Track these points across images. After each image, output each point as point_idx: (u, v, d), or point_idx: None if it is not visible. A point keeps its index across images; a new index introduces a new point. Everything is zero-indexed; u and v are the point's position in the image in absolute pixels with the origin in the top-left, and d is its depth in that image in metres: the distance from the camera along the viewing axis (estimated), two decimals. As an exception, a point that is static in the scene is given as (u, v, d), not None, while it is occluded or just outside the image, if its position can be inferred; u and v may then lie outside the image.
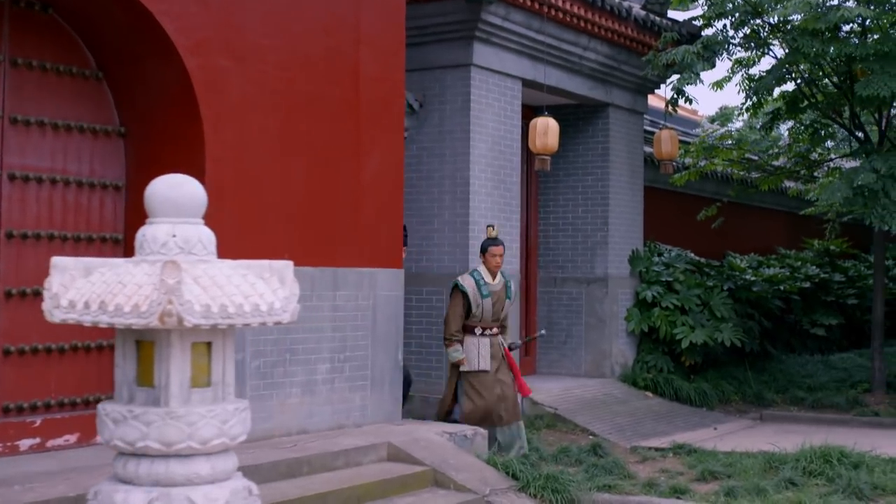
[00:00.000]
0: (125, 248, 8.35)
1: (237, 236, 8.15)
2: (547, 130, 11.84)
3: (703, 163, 15.61)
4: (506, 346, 9.98)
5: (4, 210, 7.68)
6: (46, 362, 7.84)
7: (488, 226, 9.99)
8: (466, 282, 9.77)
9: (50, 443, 7.74)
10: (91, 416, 7.73)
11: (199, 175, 7.73)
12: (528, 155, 13.73)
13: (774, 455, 9.65)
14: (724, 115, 15.72)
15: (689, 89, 13.11)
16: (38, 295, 7.70)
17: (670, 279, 14.55)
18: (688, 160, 16.12)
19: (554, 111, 14.20)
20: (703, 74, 13.55)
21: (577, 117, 14.31)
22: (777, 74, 13.36)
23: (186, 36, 7.85)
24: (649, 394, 13.82)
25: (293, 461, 7.69)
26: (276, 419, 8.52)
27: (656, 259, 14.86)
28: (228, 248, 8.19)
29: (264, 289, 4.66)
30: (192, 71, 7.87)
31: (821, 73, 13.98)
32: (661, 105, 22.98)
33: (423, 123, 11.94)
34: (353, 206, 9.18)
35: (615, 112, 14.22)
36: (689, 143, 16.10)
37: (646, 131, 15.39)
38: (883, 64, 12.29)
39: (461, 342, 9.76)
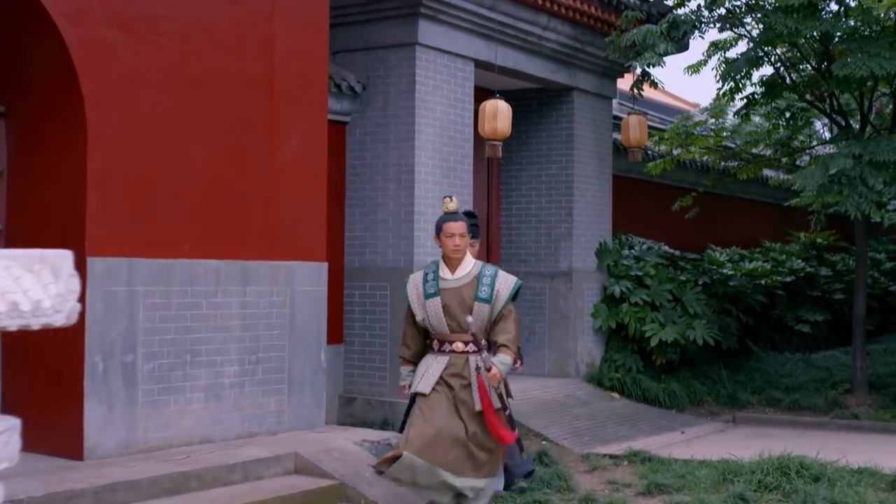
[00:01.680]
0: (6, 239, 7.58)
1: (125, 226, 7.38)
2: (497, 114, 11.02)
3: (677, 151, 14.77)
4: (490, 368, 6.70)
5: None
6: None
7: (445, 197, 7.11)
8: (412, 279, 7.08)
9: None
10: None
11: (80, 157, 6.99)
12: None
13: (731, 465, 8.85)
14: (718, 107, 14.73)
15: (677, 73, 12.25)
16: None
17: (640, 273, 13.74)
18: (663, 148, 15.27)
19: (514, 95, 13.42)
20: (678, 58, 12.72)
21: (539, 102, 13.50)
22: (751, 56, 12.53)
23: (64, 3, 7.08)
24: (615, 395, 13.02)
25: (179, 476, 6.92)
26: (174, 427, 7.74)
27: (626, 252, 14.05)
28: (115, 240, 7.44)
29: (31, 284, 3.85)
30: (71, 43, 7.10)
31: (798, 55, 13.15)
32: (651, 92, 22.20)
33: (367, 107, 11.14)
34: (266, 193, 8.40)
35: (580, 96, 13.41)
36: (663, 131, 15.26)
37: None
38: (861, 43, 11.46)
39: (411, 362, 7.05)
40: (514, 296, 6.89)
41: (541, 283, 13.42)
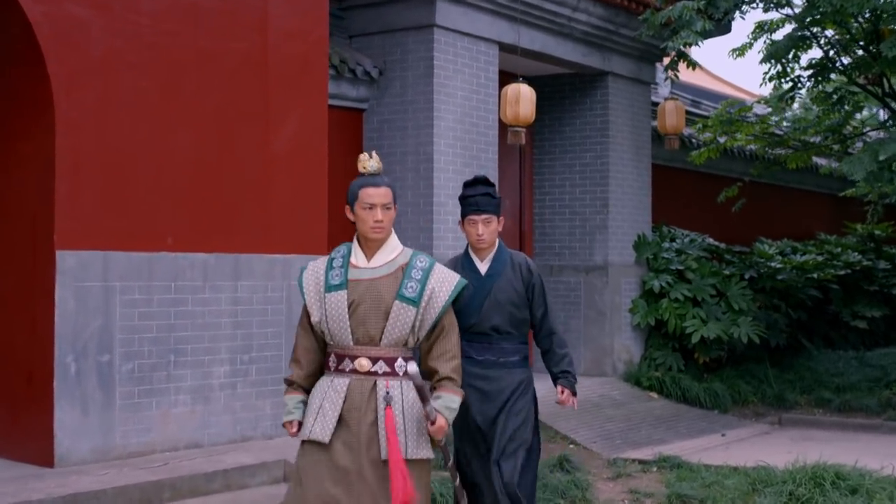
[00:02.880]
0: (-22, 231, 7.15)
1: (99, 217, 6.91)
2: (519, 98, 10.43)
3: (722, 139, 14.02)
4: (433, 418, 4.70)
5: None
6: None
7: (362, 153, 5.02)
8: (311, 266, 4.93)
9: None
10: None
11: (48, 145, 6.54)
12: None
13: (763, 473, 8.19)
14: (778, 95, 13.84)
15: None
16: None
17: (682, 267, 13.05)
18: (708, 136, 14.52)
19: (546, 81, 12.83)
20: (725, 43, 11.94)
21: (572, 87, 12.86)
22: (795, 37, 11.80)
23: (28, -22, 6.61)
24: (654, 395, 12.37)
25: (151, 485, 6.42)
26: (157, 432, 7.26)
27: (667, 245, 13.36)
28: (88, 232, 6.96)
29: None
30: (36, 21, 6.64)
31: (848, 36, 12.38)
32: (698, 79, 21.42)
33: (384, 93, 10.60)
34: (260, 182, 7.89)
35: (615, 81, 12.74)
36: (706, 118, 14.52)
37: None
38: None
39: (301, 387, 4.90)
40: (457, 299, 5.00)
41: (575, 277, 12.81)
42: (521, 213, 12.96)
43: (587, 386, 12.09)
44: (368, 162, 4.88)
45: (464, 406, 5.49)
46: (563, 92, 12.87)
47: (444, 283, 4.84)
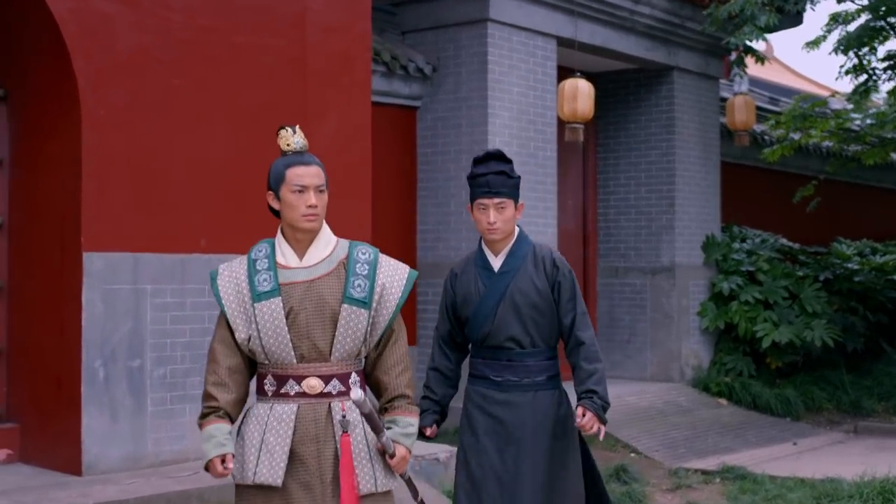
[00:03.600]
0: (7, 233, 7.00)
1: (129, 218, 6.71)
2: (577, 94, 10.10)
3: (795, 135, 13.50)
4: (390, 450, 3.90)
5: None
6: None
7: (282, 127, 4.13)
8: (225, 270, 4.01)
9: None
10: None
11: (74, 144, 6.35)
12: (585, 128, 11.99)
13: (830, 486, 7.76)
14: (855, 89, 13.21)
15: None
16: None
17: (752, 269, 12.58)
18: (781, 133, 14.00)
19: (611, 77, 12.46)
20: (801, 35, 11.42)
21: (637, 83, 12.47)
22: (869, 27, 11.29)
23: (52, -27, 6.43)
24: (723, 401, 11.92)
25: (177, 495, 6.19)
26: (190, 439, 7.01)
27: (737, 246, 12.90)
28: (118, 234, 6.75)
29: None
30: (62, 17, 6.44)
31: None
32: (777, 75, 20.81)
33: (438, 90, 10.33)
34: (299, 182, 7.62)
35: (681, 77, 12.32)
36: (779, 114, 13.99)
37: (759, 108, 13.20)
38: None
39: (228, 416, 3.90)
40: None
41: (641, 279, 12.41)
42: (585, 214, 12.60)
43: (652, 392, 11.70)
44: (292, 138, 4.05)
45: (475, 440, 4.72)
46: (627, 88, 12.49)
47: (395, 276, 4.00)
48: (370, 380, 4.05)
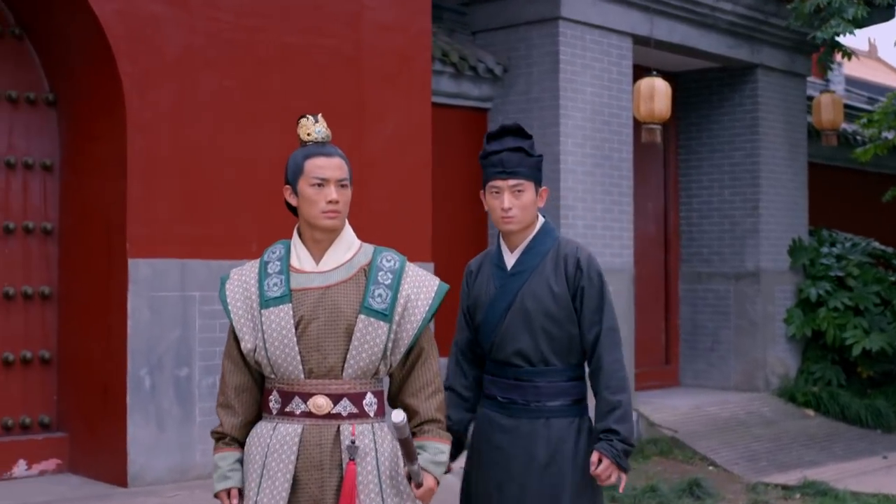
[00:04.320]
0: (59, 238, 6.90)
1: (176, 224, 6.57)
2: (653, 94, 9.74)
3: (889, 134, 12.93)
4: (418, 479, 3.46)
5: None
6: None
7: (303, 116, 3.62)
8: (236, 274, 3.66)
9: (-58, 477, 6.38)
10: (4, 444, 6.39)
11: (120, 147, 6.22)
12: (666, 129, 11.62)
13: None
14: None
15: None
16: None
17: (842, 274, 12.06)
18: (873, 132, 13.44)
19: (693, 76, 12.07)
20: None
21: (720, 82, 12.03)
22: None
23: (98, -25, 6.31)
24: (810, 412, 11.43)
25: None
26: (241, 450, 6.86)
27: (826, 250, 12.37)
28: (164, 240, 6.61)
29: None
30: (106, 19, 6.33)
31: None
32: (876, 74, 20.11)
33: (509, 91, 10.04)
34: (354, 185, 7.40)
35: (766, 75, 11.85)
36: (871, 112, 13.42)
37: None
38: None
39: (237, 441, 3.57)
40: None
41: (725, 285, 11.97)
42: (667, 218, 12.21)
43: (735, 402, 11.28)
44: (313, 126, 3.60)
45: (476, 472, 4.01)
46: (709, 87, 12.07)
47: (423, 288, 3.58)
48: (396, 403, 3.61)
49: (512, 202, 3.86)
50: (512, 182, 3.87)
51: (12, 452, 6.54)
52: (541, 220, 4.02)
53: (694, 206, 12.21)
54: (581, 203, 9.81)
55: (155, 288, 6.47)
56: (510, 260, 3.97)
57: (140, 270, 6.40)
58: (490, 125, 10.16)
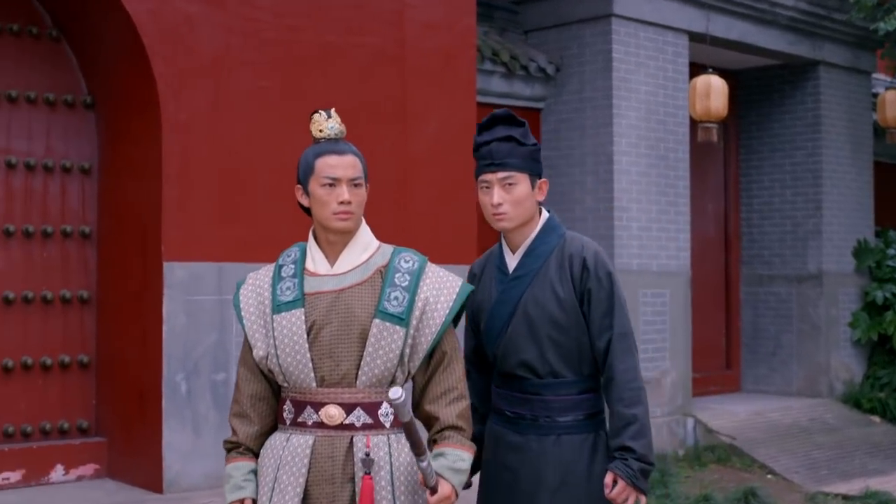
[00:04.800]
0: (97, 241, 6.84)
1: (213, 227, 6.47)
2: (709, 91, 9.49)
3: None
4: (433, 484, 3.18)
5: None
6: (-24, 383, 6.42)
7: (314, 112, 3.51)
8: (252, 279, 3.45)
9: (-20, 482, 6.34)
10: (38, 449, 6.34)
11: (155, 148, 6.14)
12: (726, 128, 11.37)
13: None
14: None
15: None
16: (-32, 301, 6.31)
17: (909, 276, 11.71)
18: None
19: (754, 74, 11.79)
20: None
21: (781, 80, 11.72)
22: None
23: (131, -26, 6.23)
24: (876, 418, 11.10)
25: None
26: (280, 456, 6.75)
27: (893, 251, 12.01)
28: (201, 243, 6.51)
29: None
30: (139, 18, 6.24)
31: None
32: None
33: (561, 91, 9.85)
34: (396, 186, 7.29)
35: (828, 72, 11.52)
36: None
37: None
38: None
39: (251, 451, 3.38)
40: (459, 314, 3.42)
41: (787, 287, 11.66)
42: (727, 219, 11.91)
43: (797, 408, 10.97)
44: (326, 122, 3.44)
45: (485, 494, 3.69)
46: (770, 85, 11.77)
47: (443, 289, 3.36)
48: (417, 411, 3.37)
49: (502, 197, 3.52)
50: (501, 175, 3.51)
51: (50, 457, 6.48)
52: (544, 215, 3.67)
53: (755, 206, 11.91)
54: (635, 204, 9.59)
55: (191, 292, 6.37)
56: (512, 262, 3.66)
57: (175, 274, 6.31)
58: (542, 126, 9.99)
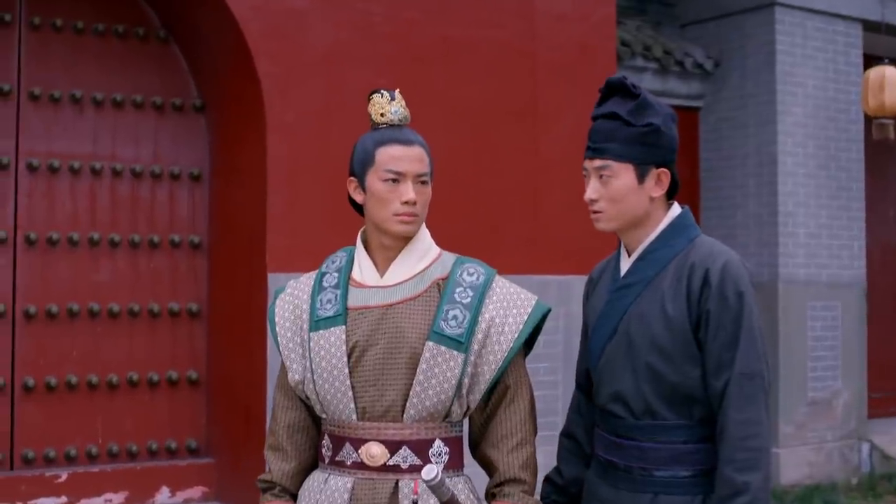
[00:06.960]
0: (209, 252, 6.51)
1: (321, 235, 6.06)
2: (883, 84, 8.61)
3: None
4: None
5: (23, 208, 6.10)
6: (79, 400, 6.16)
7: (375, 92, 2.92)
8: (291, 288, 2.93)
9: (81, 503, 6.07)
10: (143, 469, 6.06)
11: (260, 152, 5.79)
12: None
13: None
14: None
15: None
16: (72, 315, 6.07)
17: None
18: None
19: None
20: None
21: (972, 72, 10.69)
22: None
23: (232, -29, 5.88)
24: None
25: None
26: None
27: None
28: (307, 252, 6.10)
29: None
30: (242, 16, 5.90)
31: None
32: None
33: (721, 87, 9.13)
34: (528, 190, 6.78)
35: None
36: None
37: None
38: None
39: (287, 492, 2.89)
40: (532, 338, 2.83)
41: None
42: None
43: None
44: (388, 105, 2.89)
45: None
46: (959, 78, 10.74)
47: (512, 309, 2.76)
48: (476, 453, 2.81)
49: (597, 191, 2.76)
50: (598, 163, 2.76)
51: (156, 478, 6.18)
52: (674, 212, 2.84)
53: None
54: (803, 209, 8.81)
55: (297, 304, 5.97)
56: (625, 267, 2.86)
57: (280, 285, 5.91)
58: (701, 125, 9.30)
